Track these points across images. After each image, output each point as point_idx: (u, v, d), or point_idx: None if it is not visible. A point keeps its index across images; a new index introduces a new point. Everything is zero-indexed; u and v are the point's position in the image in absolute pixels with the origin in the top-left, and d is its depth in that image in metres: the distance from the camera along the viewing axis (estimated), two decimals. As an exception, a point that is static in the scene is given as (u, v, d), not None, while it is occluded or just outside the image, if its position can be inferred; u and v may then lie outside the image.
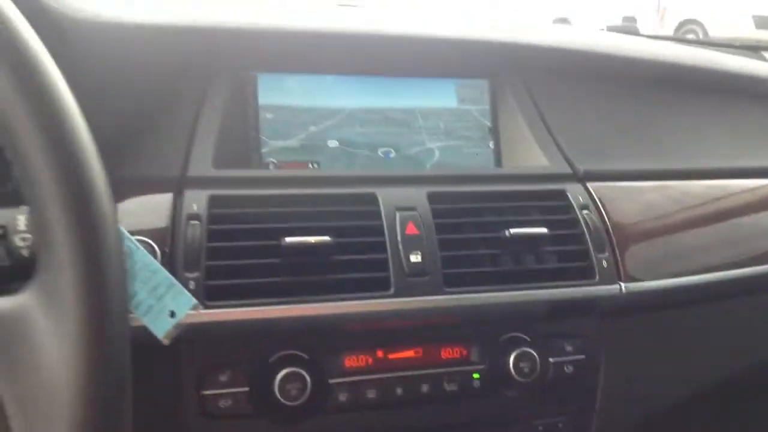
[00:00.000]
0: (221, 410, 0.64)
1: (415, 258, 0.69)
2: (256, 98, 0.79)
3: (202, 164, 0.70)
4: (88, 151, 0.38)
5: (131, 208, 0.65)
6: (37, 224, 0.37)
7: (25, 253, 0.46)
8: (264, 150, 0.79)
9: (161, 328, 0.59)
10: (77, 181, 0.37)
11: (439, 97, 0.85)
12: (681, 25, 9.60)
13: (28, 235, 0.46)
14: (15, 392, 0.35)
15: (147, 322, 0.53)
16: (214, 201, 0.67)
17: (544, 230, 0.73)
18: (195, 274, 0.63)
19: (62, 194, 0.36)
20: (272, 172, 0.78)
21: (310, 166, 0.80)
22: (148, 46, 0.72)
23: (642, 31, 1.33)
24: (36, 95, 0.36)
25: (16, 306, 0.37)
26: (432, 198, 0.73)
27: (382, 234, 0.69)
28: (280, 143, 0.79)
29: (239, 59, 0.78)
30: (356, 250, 0.68)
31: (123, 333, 0.38)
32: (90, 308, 0.36)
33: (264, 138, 0.79)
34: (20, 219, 0.46)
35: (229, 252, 0.65)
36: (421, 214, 0.71)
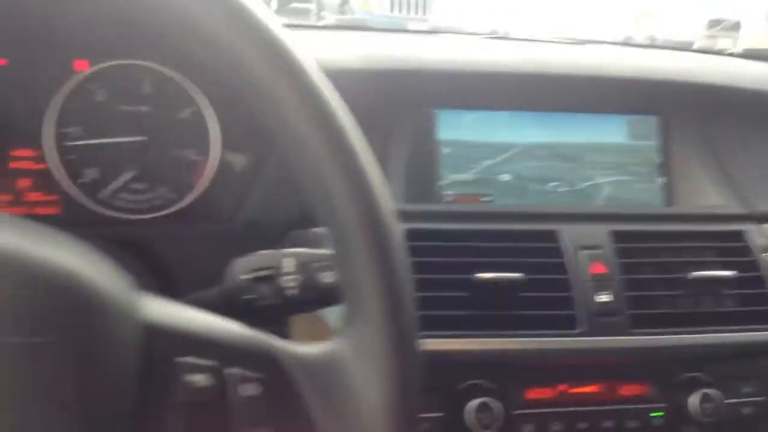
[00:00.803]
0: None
1: (602, 298, 0.70)
2: (435, 133, 0.83)
3: (395, 198, 0.74)
4: (386, 190, 0.39)
5: None
6: (341, 271, 0.39)
7: (292, 292, 0.50)
8: (442, 183, 0.82)
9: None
10: (382, 227, 0.38)
11: (608, 132, 0.86)
12: None
13: (296, 276, 0.51)
14: None
15: None
16: (412, 234, 0.71)
17: (725, 273, 0.73)
18: None
19: (370, 242, 0.37)
20: (457, 206, 0.81)
21: (483, 199, 0.83)
22: (342, 89, 0.77)
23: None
24: (342, 148, 0.38)
25: (329, 351, 0.40)
26: (616, 237, 0.74)
27: (566, 272, 0.72)
28: (457, 176, 0.83)
29: (421, 97, 0.82)
30: (542, 287, 0.70)
31: (419, 372, 0.41)
32: (398, 356, 0.38)
33: (442, 171, 0.82)
34: (287, 261, 0.51)
35: (427, 284, 0.68)
36: (607, 253, 0.73)
